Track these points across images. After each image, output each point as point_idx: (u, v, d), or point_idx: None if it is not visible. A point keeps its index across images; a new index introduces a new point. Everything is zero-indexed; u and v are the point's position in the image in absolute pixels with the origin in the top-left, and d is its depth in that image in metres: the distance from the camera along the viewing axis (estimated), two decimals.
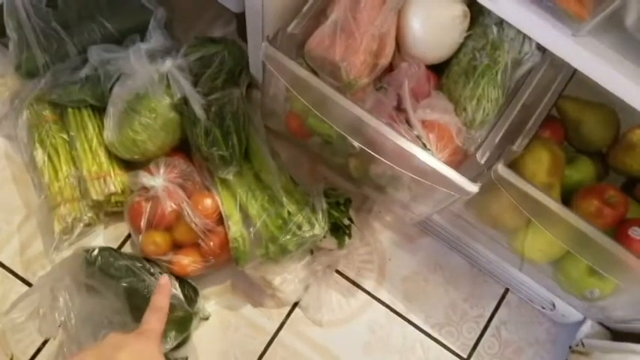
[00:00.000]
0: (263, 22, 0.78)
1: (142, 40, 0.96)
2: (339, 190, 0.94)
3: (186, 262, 0.90)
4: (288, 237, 0.84)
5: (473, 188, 0.67)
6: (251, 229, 0.86)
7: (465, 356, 1.00)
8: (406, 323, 1.01)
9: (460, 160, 0.73)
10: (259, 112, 0.97)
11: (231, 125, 0.90)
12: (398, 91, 0.74)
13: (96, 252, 0.87)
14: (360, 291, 1.02)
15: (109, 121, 0.93)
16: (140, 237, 0.89)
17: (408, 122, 0.73)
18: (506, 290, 1.03)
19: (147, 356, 0.53)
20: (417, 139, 0.72)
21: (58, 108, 0.98)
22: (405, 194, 0.85)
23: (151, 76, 0.88)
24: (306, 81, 0.72)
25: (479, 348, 1.00)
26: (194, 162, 0.94)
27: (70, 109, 0.98)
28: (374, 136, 0.71)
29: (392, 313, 1.01)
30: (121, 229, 1.00)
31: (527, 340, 1.01)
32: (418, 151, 0.69)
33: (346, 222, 0.91)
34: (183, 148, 0.96)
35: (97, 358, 0.52)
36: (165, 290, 0.62)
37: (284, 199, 0.87)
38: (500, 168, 0.69)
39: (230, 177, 0.90)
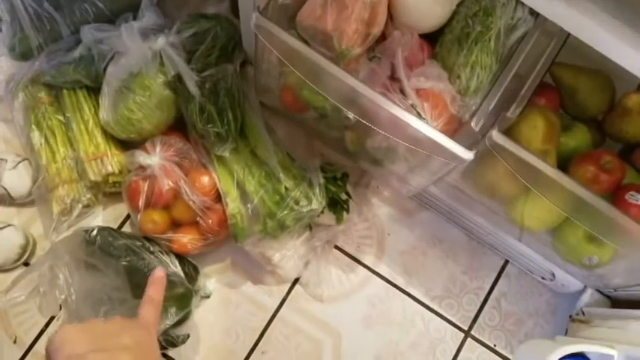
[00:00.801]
0: None
1: (135, 18, 0.96)
2: (336, 165, 0.94)
3: (186, 240, 0.91)
4: (285, 212, 0.84)
5: (468, 155, 0.67)
6: (249, 206, 0.87)
7: (465, 328, 1.00)
8: (406, 297, 1.01)
9: (455, 129, 0.73)
10: (253, 88, 0.97)
11: (225, 102, 0.90)
12: (391, 61, 0.73)
13: (95, 232, 0.87)
14: (359, 266, 1.02)
15: (104, 101, 0.93)
16: (139, 216, 0.90)
17: (402, 91, 0.73)
18: (506, 262, 1.03)
19: (147, 345, 0.52)
20: (412, 108, 0.71)
21: (54, 90, 0.98)
22: (401, 166, 0.85)
23: (144, 54, 0.88)
24: (299, 51, 0.71)
25: (479, 320, 1.01)
26: (190, 140, 0.94)
27: (65, 91, 0.98)
28: (368, 106, 0.70)
29: (392, 287, 1.01)
30: (120, 209, 1.00)
31: (528, 310, 1.02)
32: (413, 119, 0.68)
33: (344, 197, 0.91)
34: (179, 126, 0.96)
35: (105, 328, 0.51)
36: (159, 282, 0.61)
37: (281, 175, 0.87)
38: (495, 134, 0.69)
39: (226, 154, 0.90)
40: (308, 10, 0.73)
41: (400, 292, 1.01)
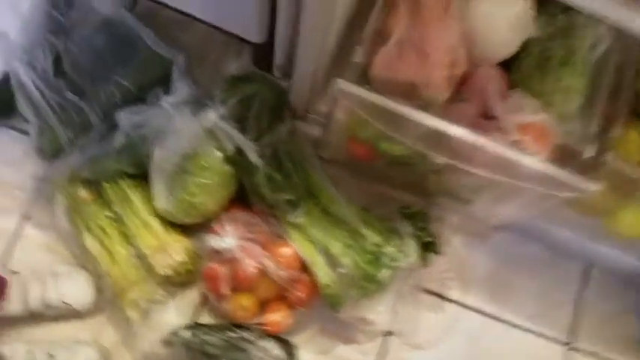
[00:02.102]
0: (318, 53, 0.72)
1: (166, 92, 0.89)
2: (408, 206, 0.90)
3: (278, 318, 0.85)
4: (383, 272, 0.80)
5: (594, 186, 0.65)
6: (340, 270, 0.81)
7: (565, 340, 0.98)
8: (501, 323, 0.98)
9: (561, 158, 0.70)
10: (308, 144, 0.91)
11: (289, 166, 0.85)
12: (481, 99, 0.70)
13: (185, 333, 0.80)
14: (447, 303, 0.98)
15: (158, 188, 0.85)
16: (225, 304, 0.83)
17: (499, 129, 0.70)
18: (588, 266, 1.01)
19: None
20: (516, 145, 0.68)
21: (93, 184, 0.90)
22: (489, 200, 0.82)
23: (197, 133, 0.81)
24: (385, 107, 0.67)
25: (576, 329, 0.99)
26: (255, 210, 0.88)
27: (106, 184, 0.89)
28: (467, 149, 0.67)
29: (484, 316, 0.98)
30: (190, 296, 0.93)
31: (616, 310, 1.01)
32: (525, 157, 0.65)
33: (429, 238, 0.88)
34: (236, 198, 0.90)
35: None
36: None
37: (364, 230, 0.83)
38: (609, 158, 0.67)
39: (300, 219, 0.85)
40: (381, 63, 0.69)
41: (494, 320, 0.98)
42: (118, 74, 0.89)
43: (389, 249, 0.80)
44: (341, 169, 0.96)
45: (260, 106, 0.86)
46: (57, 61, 0.89)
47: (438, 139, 0.66)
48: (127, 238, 0.88)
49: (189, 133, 0.81)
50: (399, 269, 0.80)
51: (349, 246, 0.83)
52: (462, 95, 0.71)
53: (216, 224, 0.85)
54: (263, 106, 0.86)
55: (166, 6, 0.97)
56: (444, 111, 0.71)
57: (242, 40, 1.03)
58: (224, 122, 0.82)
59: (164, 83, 0.90)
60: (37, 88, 0.84)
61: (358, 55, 0.69)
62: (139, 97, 0.90)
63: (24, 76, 0.84)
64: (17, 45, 0.87)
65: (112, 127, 0.88)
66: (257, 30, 0.86)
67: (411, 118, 0.67)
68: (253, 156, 0.82)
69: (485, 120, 0.70)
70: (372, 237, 0.82)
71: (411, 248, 0.81)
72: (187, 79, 0.89)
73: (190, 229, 0.90)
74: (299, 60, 0.77)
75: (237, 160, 0.83)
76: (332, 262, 0.83)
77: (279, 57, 0.94)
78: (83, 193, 0.89)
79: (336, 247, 0.83)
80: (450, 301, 0.98)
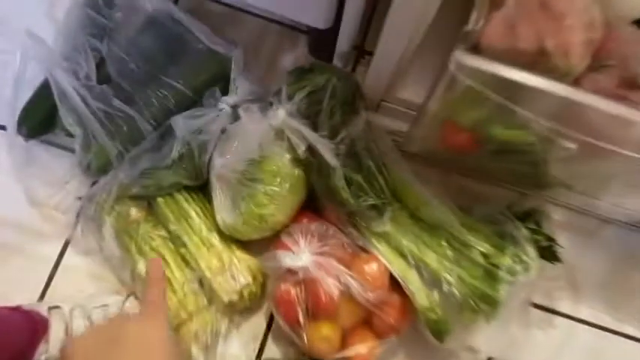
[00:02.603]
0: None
1: (224, 92, 0.78)
2: (516, 203, 0.76)
3: (365, 350, 0.71)
4: (501, 289, 0.65)
5: None
6: (444, 289, 0.67)
7: None
8: (620, 337, 0.83)
9: None
10: (386, 137, 0.79)
11: (370, 164, 0.72)
12: (621, 66, 0.56)
13: None
14: (557, 317, 0.83)
15: (221, 201, 0.74)
16: (301, 334, 0.70)
17: None
18: None
19: (152, 335, 0.49)
20: None
21: (145, 201, 0.79)
22: (619, 189, 0.67)
23: (266, 134, 0.70)
24: (520, 81, 0.53)
25: None
26: (326, 218, 0.76)
27: (159, 199, 0.79)
28: (616, 127, 0.53)
29: (600, 330, 0.83)
30: (254, 323, 0.80)
31: None
32: None
33: (545, 242, 0.73)
34: (304, 205, 0.78)
35: (100, 337, 0.49)
36: (156, 264, 0.58)
37: (468, 237, 0.69)
38: None
39: (387, 228, 0.72)
40: (497, 31, 0.56)
41: (612, 334, 0.83)
42: (170, 76, 0.79)
43: (504, 259, 0.66)
44: (424, 165, 0.83)
45: (332, 98, 0.74)
46: (100, 67, 0.79)
47: (576, 116, 0.53)
48: (184, 260, 0.77)
49: (256, 134, 0.69)
50: (519, 284, 0.66)
51: (450, 258, 0.69)
52: (598, 63, 0.57)
53: (286, 238, 0.73)
54: (335, 98, 0.74)
55: None
56: (578, 83, 0.57)
57: (296, 30, 0.94)
58: (294, 119, 0.70)
59: (221, 82, 0.79)
60: (80, 96, 0.74)
61: (474, 23, 0.56)
62: (194, 99, 0.79)
63: (65, 83, 0.74)
64: (56, 51, 0.78)
65: (165, 135, 0.78)
66: (324, 14, 0.75)
67: (548, 93, 0.54)
68: (329, 155, 0.70)
69: (628, 90, 0.56)
70: (479, 245, 0.68)
71: (531, 256, 0.66)
72: (248, 75, 0.78)
73: (253, 245, 0.78)
74: (384, 40, 0.65)
75: (309, 161, 0.71)
76: (430, 278, 0.69)
77: (343, 44, 0.83)
78: (134, 211, 0.78)
79: (435, 260, 0.69)
80: (560, 314, 0.83)
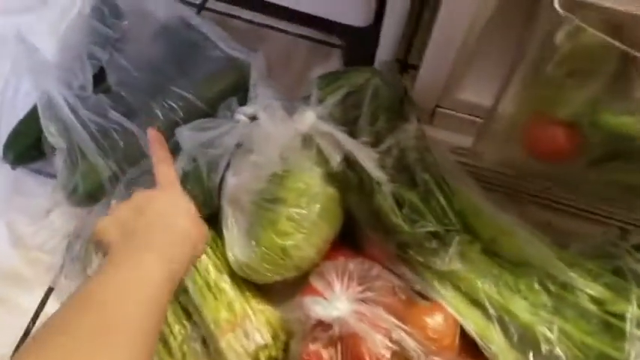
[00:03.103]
0: None
1: (243, 103, 0.65)
2: (631, 232, 0.56)
3: None
4: (628, 348, 0.45)
5: None
6: (542, 350, 0.47)
7: None
8: None
9: None
10: (445, 148, 0.62)
11: (428, 179, 0.55)
12: None
13: None
14: None
15: (234, 233, 0.57)
16: None
17: None
18: None
19: (180, 202, 0.48)
20: None
21: None
22: None
23: (290, 142, 0.54)
24: None
25: None
26: (369, 255, 0.58)
27: None
28: None
29: None
30: None
31: None
32: None
33: None
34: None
35: (130, 210, 0.46)
36: (156, 141, 0.53)
37: (571, 275, 0.49)
38: None
39: (456, 266, 0.53)
40: None
41: None
42: (179, 86, 0.66)
43: (627, 306, 0.46)
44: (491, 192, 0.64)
45: (374, 100, 0.59)
46: (100, 77, 0.68)
47: None
48: (186, 312, 0.59)
49: (278, 141, 0.54)
50: None
51: (548, 306, 0.49)
52: None
53: (316, 281, 0.55)
54: (378, 100, 0.59)
55: (235, 16, 0.78)
56: None
57: (328, 44, 0.82)
58: (326, 124, 0.55)
59: (240, 93, 0.66)
60: (69, 105, 0.62)
61: None
62: (207, 113, 0.66)
63: (55, 94, 0.62)
64: (51, 61, 0.68)
65: (171, 153, 0.64)
66: (363, 9, 0.62)
67: None
68: (373, 167, 0.53)
69: None
70: (587, 286, 0.48)
71: None
72: (271, 83, 0.64)
73: (274, 292, 0.60)
74: (438, 30, 0.50)
75: (346, 177, 0.55)
76: (520, 336, 0.49)
77: (385, 51, 0.69)
78: None
79: (525, 310, 0.49)
80: None
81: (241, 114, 0.63)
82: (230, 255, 0.58)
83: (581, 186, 0.56)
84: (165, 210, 0.46)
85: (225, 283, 0.59)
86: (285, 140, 0.54)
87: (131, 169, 0.63)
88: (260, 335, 0.56)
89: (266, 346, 0.56)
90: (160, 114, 0.64)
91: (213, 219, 0.62)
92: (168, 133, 0.64)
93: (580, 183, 0.55)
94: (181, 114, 0.65)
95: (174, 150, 0.63)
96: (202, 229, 0.47)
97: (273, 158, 0.54)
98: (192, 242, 0.45)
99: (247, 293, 0.59)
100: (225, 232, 0.59)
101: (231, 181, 0.58)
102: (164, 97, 0.65)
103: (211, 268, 0.60)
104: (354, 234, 0.59)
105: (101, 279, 0.39)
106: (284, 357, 0.59)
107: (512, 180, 0.64)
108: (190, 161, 0.60)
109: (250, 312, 0.58)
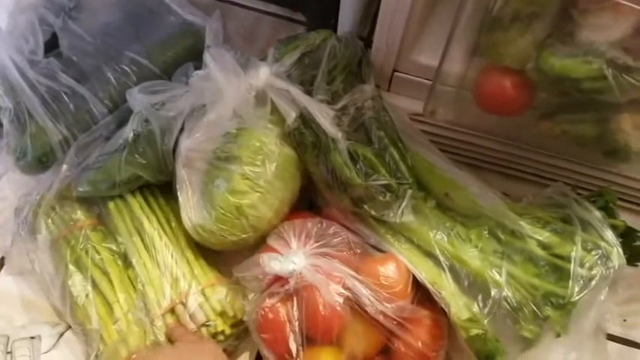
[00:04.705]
0: None
1: (199, 67, 0.64)
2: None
3: None
4: (572, 285, 0.46)
5: None
6: (492, 293, 0.48)
7: None
8: None
9: None
10: (400, 111, 0.62)
11: (382, 136, 0.55)
12: None
13: None
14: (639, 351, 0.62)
15: (188, 195, 0.56)
16: None
17: None
18: None
19: (208, 352, 0.52)
20: None
21: (95, 205, 0.62)
22: None
23: (244, 98, 0.54)
24: None
25: None
26: (328, 216, 0.58)
27: (110, 204, 0.62)
28: None
29: None
30: None
31: None
32: None
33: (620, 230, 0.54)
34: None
35: None
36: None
37: (521, 224, 0.50)
38: None
39: (409, 217, 0.54)
40: None
41: None
42: (135, 50, 0.65)
43: (572, 248, 0.47)
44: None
45: (331, 60, 0.59)
46: (52, 43, 0.66)
47: None
48: (133, 283, 0.58)
49: (230, 96, 0.53)
50: (594, 283, 0.46)
51: (497, 253, 0.50)
52: None
53: (274, 241, 0.55)
54: (335, 60, 0.59)
55: None
56: None
57: (293, 21, 0.83)
58: (283, 80, 0.55)
59: (196, 58, 0.65)
60: (18, 69, 0.60)
61: None
62: (161, 77, 0.65)
63: (3, 56, 0.61)
64: (3, 28, 0.66)
65: (124, 121, 0.62)
66: None
67: None
68: (328, 124, 0.53)
69: None
70: (536, 232, 0.49)
71: (610, 242, 0.47)
72: (226, 46, 0.64)
73: (232, 261, 0.59)
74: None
75: (302, 136, 0.55)
76: (471, 282, 0.50)
77: (346, 22, 0.70)
78: (79, 215, 0.61)
79: (476, 257, 0.50)
80: None
81: (197, 77, 0.62)
82: (185, 219, 0.57)
83: (534, 141, 0.58)
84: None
85: (172, 259, 0.58)
86: (238, 94, 0.54)
87: (82, 135, 0.62)
88: (203, 313, 0.55)
89: (209, 322, 0.55)
90: (112, 78, 0.63)
91: (168, 187, 0.61)
92: (122, 100, 0.63)
93: (533, 138, 0.57)
94: (134, 78, 0.64)
95: (127, 116, 0.62)
96: None
97: (226, 115, 0.54)
98: None
99: (197, 270, 0.58)
100: (180, 197, 0.57)
101: (185, 143, 0.57)
102: (117, 62, 0.64)
103: (157, 241, 0.58)
104: (316, 201, 0.60)
105: None
106: (239, 334, 0.58)
107: (470, 148, 0.66)
108: (142, 123, 0.59)
109: (195, 289, 0.56)
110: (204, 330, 0.55)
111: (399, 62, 0.62)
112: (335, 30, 0.71)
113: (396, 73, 0.63)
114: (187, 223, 0.58)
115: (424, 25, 0.62)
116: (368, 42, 0.80)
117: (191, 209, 0.57)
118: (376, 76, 0.64)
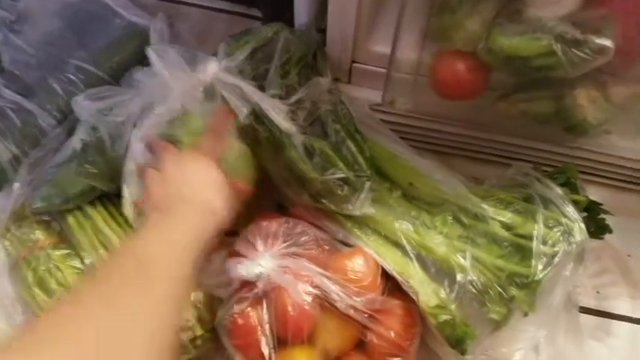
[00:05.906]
0: None
1: None
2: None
3: None
4: (536, 263, 0.46)
5: None
6: (458, 278, 0.47)
7: None
8: None
9: None
10: (359, 102, 0.61)
11: (339, 129, 0.54)
12: None
13: None
14: (614, 321, 0.63)
15: (132, 186, 0.55)
16: None
17: None
18: None
19: (211, 175, 0.49)
20: None
21: (55, 221, 0.60)
22: None
23: (192, 94, 0.52)
24: None
25: None
26: (293, 215, 0.57)
27: (69, 218, 0.59)
28: None
29: None
30: None
31: None
32: None
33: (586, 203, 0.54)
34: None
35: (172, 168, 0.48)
36: (223, 114, 0.52)
37: (484, 207, 0.50)
38: None
39: (369, 209, 0.53)
40: None
41: None
42: (79, 57, 0.63)
43: (534, 226, 0.47)
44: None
45: (284, 53, 0.57)
46: None
47: None
48: None
49: (178, 93, 0.51)
50: (557, 259, 0.46)
51: (462, 237, 0.50)
52: None
53: (238, 245, 0.54)
54: (289, 53, 0.58)
55: None
56: None
57: (248, 16, 0.80)
58: (232, 75, 0.54)
59: (144, 60, 0.63)
60: None
61: None
62: (109, 83, 0.63)
63: None
64: None
65: (73, 129, 0.60)
66: None
67: None
68: (282, 119, 0.52)
69: None
70: (498, 214, 0.49)
71: (572, 217, 0.47)
72: (173, 44, 0.62)
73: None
74: None
75: (254, 131, 0.54)
76: (437, 268, 0.50)
77: (301, 15, 0.68)
78: (38, 234, 0.59)
79: (441, 243, 0.50)
80: (618, 317, 0.63)
81: (142, 76, 0.60)
82: (129, 212, 0.55)
83: (494, 123, 0.57)
84: (203, 176, 0.48)
85: None
86: (186, 90, 0.52)
87: (33, 151, 0.60)
88: (191, 312, 0.54)
89: (189, 327, 0.54)
90: (58, 88, 0.61)
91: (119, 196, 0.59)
92: (71, 107, 0.61)
93: (493, 120, 0.57)
94: (82, 86, 0.61)
95: (72, 131, 0.59)
96: (228, 201, 0.48)
97: (175, 110, 0.52)
98: (212, 211, 0.46)
99: None
100: (125, 190, 0.56)
101: (133, 133, 0.55)
102: (62, 72, 0.62)
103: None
104: (282, 202, 0.58)
105: (140, 237, 0.42)
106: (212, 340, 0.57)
107: (434, 134, 0.65)
108: (90, 131, 0.56)
109: None
110: (182, 335, 0.54)
111: (356, 53, 0.61)
112: (292, 23, 0.69)
113: (354, 64, 0.62)
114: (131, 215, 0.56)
115: (378, 14, 0.61)
116: (325, 33, 0.79)
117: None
118: (336, 69, 0.63)
